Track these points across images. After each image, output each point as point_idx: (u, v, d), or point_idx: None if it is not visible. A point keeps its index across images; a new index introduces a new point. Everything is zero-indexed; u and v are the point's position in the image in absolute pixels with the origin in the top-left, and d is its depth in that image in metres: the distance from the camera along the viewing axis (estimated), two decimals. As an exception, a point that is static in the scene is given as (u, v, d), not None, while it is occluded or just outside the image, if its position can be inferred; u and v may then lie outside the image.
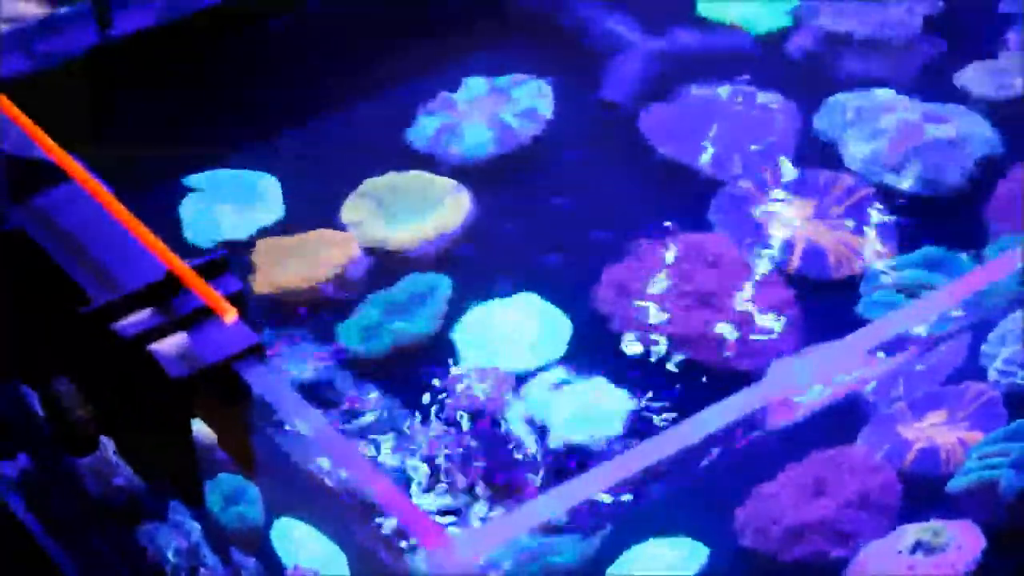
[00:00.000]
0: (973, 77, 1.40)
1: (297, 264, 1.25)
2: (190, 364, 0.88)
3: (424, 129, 1.37)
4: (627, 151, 1.35)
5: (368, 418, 1.14)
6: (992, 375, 1.14)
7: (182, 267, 0.91)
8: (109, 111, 1.32)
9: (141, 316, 0.91)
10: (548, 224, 1.30)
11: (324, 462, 0.86)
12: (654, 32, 1.44)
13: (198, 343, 0.90)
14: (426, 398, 1.17)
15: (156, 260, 0.93)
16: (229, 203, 1.31)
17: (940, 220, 1.29)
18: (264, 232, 1.29)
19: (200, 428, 0.94)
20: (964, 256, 1.24)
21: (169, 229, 1.29)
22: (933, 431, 1.12)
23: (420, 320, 1.21)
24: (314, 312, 1.23)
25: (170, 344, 0.90)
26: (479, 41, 1.45)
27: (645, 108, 1.38)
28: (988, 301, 1.08)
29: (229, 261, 0.94)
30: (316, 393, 1.16)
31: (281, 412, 0.88)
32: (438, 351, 1.20)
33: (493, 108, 1.37)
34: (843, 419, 1.10)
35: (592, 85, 1.41)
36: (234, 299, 0.92)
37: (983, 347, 1.14)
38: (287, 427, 0.88)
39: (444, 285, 1.24)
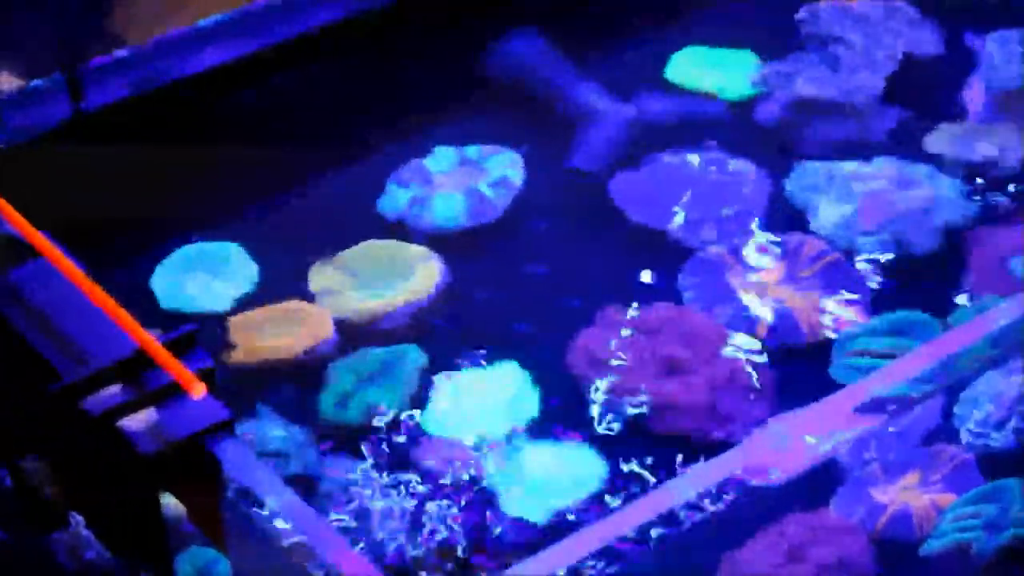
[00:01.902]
0: (941, 140, 1.41)
1: (270, 335, 1.25)
2: (159, 440, 0.87)
3: (396, 199, 1.37)
4: (598, 218, 1.36)
5: (340, 488, 1.13)
6: (965, 437, 1.15)
7: (151, 343, 0.90)
8: (82, 185, 1.31)
9: (110, 392, 0.90)
10: (520, 292, 1.30)
11: (294, 536, 0.85)
12: (624, 99, 1.45)
13: (167, 419, 0.89)
14: (399, 467, 1.16)
15: (126, 336, 0.92)
16: (203, 275, 1.31)
17: (911, 284, 1.29)
18: (238, 303, 1.29)
19: (171, 501, 0.93)
20: (935, 320, 1.24)
21: (144, 301, 1.29)
22: (906, 494, 1.12)
23: (392, 389, 1.21)
24: (287, 382, 1.23)
25: (139, 420, 0.89)
26: (451, 110, 1.46)
27: (616, 175, 1.38)
28: (960, 364, 1.08)
29: (199, 335, 0.93)
30: (289, 463, 1.15)
31: (251, 487, 0.87)
32: (409, 418, 1.20)
33: (465, 178, 1.37)
34: (817, 482, 1.10)
35: (563, 153, 1.41)
36: (204, 374, 0.91)
37: (956, 409, 1.15)
38: (257, 501, 0.87)
39: (415, 354, 1.24)
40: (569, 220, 1.36)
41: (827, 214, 1.33)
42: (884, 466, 1.13)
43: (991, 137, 1.41)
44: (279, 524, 0.86)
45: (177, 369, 0.88)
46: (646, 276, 1.30)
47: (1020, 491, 1.12)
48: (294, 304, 1.28)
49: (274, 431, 1.17)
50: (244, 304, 1.29)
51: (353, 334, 1.26)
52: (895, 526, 1.11)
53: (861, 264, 1.30)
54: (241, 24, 1.43)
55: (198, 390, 0.87)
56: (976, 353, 1.08)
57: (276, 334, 1.25)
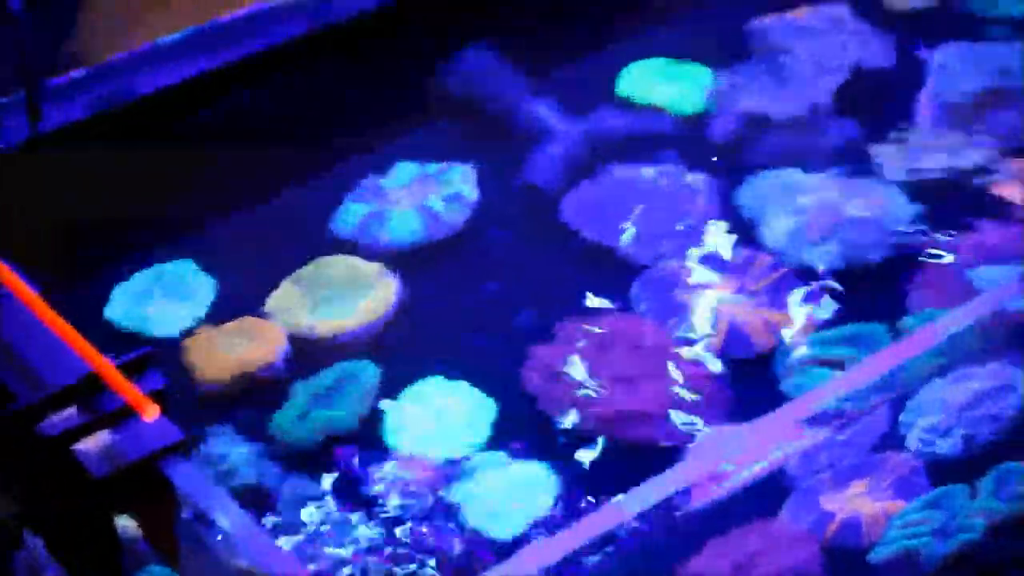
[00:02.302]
0: (889, 153, 1.42)
1: (227, 355, 1.25)
2: (113, 463, 0.88)
3: (352, 216, 1.37)
4: (552, 233, 1.36)
5: (296, 505, 1.14)
6: (913, 444, 1.16)
7: (105, 366, 0.90)
8: (39, 204, 1.31)
9: (65, 415, 0.91)
10: (475, 307, 1.31)
11: (246, 555, 0.86)
12: (577, 115, 1.46)
13: (121, 441, 0.90)
14: (354, 485, 1.17)
15: (80, 359, 0.93)
16: (160, 295, 1.32)
17: (860, 295, 1.30)
18: (195, 322, 1.30)
19: (127, 522, 0.93)
20: (883, 330, 1.25)
21: (101, 322, 1.30)
22: (855, 501, 1.13)
23: (347, 407, 1.21)
24: (245, 400, 1.23)
25: (93, 443, 0.90)
26: (407, 127, 1.46)
27: (569, 190, 1.39)
28: (907, 373, 1.09)
29: (152, 357, 0.94)
30: (244, 482, 1.15)
31: (204, 507, 0.88)
32: (366, 437, 1.21)
33: (420, 194, 1.38)
34: (767, 492, 1.10)
35: (517, 168, 1.42)
36: (158, 395, 0.92)
37: (903, 417, 1.16)
38: (210, 521, 0.88)
39: (371, 371, 1.24)
40: (523, 235, 1.37)
41: (777, 226, 1.34)
42: (833, 474, 1.13)
43: (939, 147, 1.42)
44: (232, 544, 0.87)
45: (130, 392, 0.88)
46: (599, 290, 1.31)
47: (966, 497, 1.14)
48: (251, 322, 1.28)
49: (230, 448, 1.18)
50: (201, 323, 1.29)
51: (310, 351, 1.27)
52: (844, 533, 1.12)
53: (811, 275, 1.31)
54: (197, 43, 1.44)
55: (151, 412, 0.88)
56: (924, 362, 1.10)
57: (233, 352, 1.25)
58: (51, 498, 0.93)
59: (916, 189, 1.38)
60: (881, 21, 1.55)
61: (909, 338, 1.12)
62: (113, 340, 1.28)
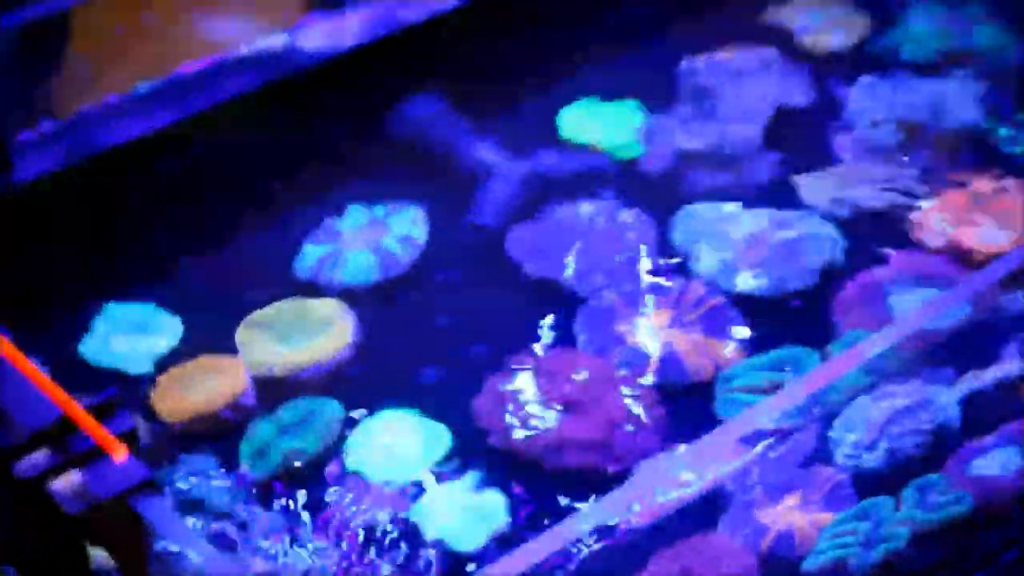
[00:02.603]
0: (813, 186, 1.43)
1: (194, 392, 1.26)
2: (85, 500, 0.89)
3: (309, 257, 1.38)
4: (497, 270, 1.37)
5: (261, 537, 1.14)
6: (840, 459, 1.16)
7: (74, 409, 0.91)
8: (8, 253, 1.31)
9: (38, 457, 0.91)
10: (428, 342, 1.31)
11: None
12: (519, 156, 1.46)
13: (93, 480, 0.90)
14: (318, 514, 1.17)
15: (52, 403, 0.93)
16: (130, 335, 1.32)
17: (788, 321, 1.31)
18: (163, 361, 1.30)
19: (100, 554, 0.94)
20: (811, 353, 1.26)
21: (74, 364, 1.30)
22: (788, 514, 1.14)
23: (309, 439, 1.22)
24: (211, 435, 1.24)
25: (66, 482, 0.90)
26: (359, 172, 1.47)
27: (512, 228, 1.40)
28: (834, 393, 1.10)
29: (123, 397, 0.94)
30: (212, 514, 1.16)
31: (172, 540, 0.88)
32: (328, 467, 1.21)
33: (373, 236, 1.39)
34: (705, 508, 1.11)
35: (463, 209, 1.43)
36: (127, 435, 0.92)
37: (831, 433, 1.16)
38: (180, 555, 0.88)
39: (331, 404, 1.25)
40: (471, 272, 1.38)
41: (709, 257, 1.35)
42: (767, 490, 1.14)
43: (860, 179, 1.43)
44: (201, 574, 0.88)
45: (99, 433, 0.89)
46: (544, 323, 1.31)
47: (891, 508, 1.15)
48: (216, 360, 1.29)
49: (198, 482, 1.18)
50: (169, 362, 1.30)
51: (272, 388, 1.27)
52: (779, 545, 1.13)
53: (742, 304, 1.32)
54: (160, 96, 1.44)
55: (119, 453, 0.89)
56: (849, 383, 1.11)
57: (200, 389, 1.26)
58: (27, 533, 0.93)
59: (839, 219, 1.39)
60: (803, 61, 1.57)
61: (835, 360, 1.13)
62: (86, 378, 1.28)
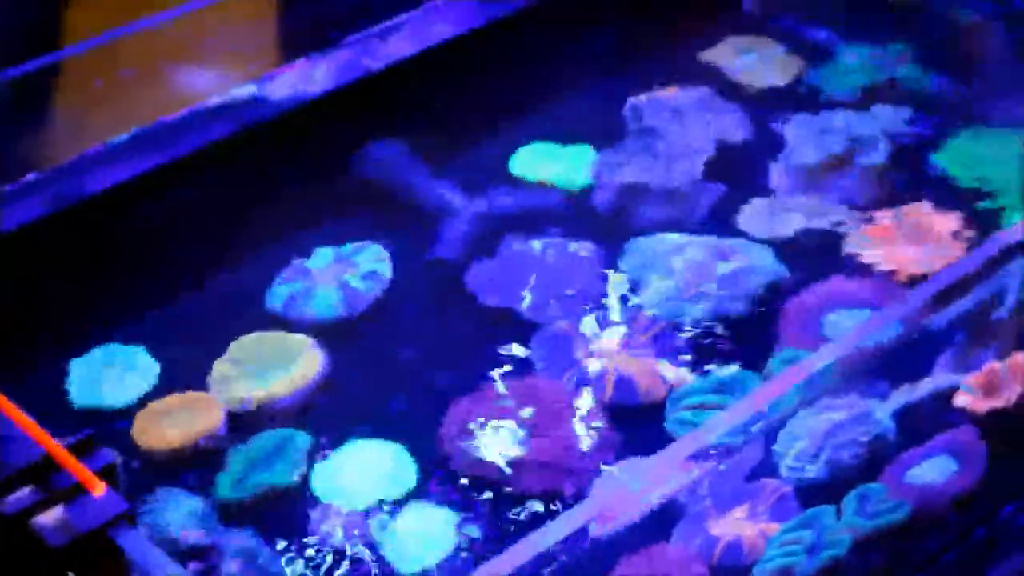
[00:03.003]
0: (753, 215, 1.43)
1: (172, 426, 1.25)
2: (67, 534, 0.87)
3: (280, 295, 1.37)
4: (458, 303, 1.37)
5: (236, 566, 1.13)
6: (784, 471, 1.16)
7: (55, 447, 0.90)
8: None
9: (22, 494, 0.90)
10: (393, 373, 1.31)
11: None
12: (476, 195, 1.46)
13: (74, 514, 0.89)
14: (291, 542, 1.16)
15: (34, 442, 0.92)
16: (110, 375, 1.31)
17: (732, 344, 1.31)
18: (143, 398, 1.29)
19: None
20: (754, 374, 1.26)
21: (56, 404, 1.28)
22: (737, 525, 1.14)
23: (282, 469, 1.21)
24: (188, 469, 1.23)
25: (49, 517, 0.89)
26: (325, 213, 1.46)
27: (472, 263, 1.39)
28: (775, 410, 1.10)
29: (97, 437, 0.93)
30: (190, 544, 1.14)
31: (151, 571, 0.87)
32: (299, 497, 1.20)
33: (340, 273, 1.38)
34: (658, 521, 1.11)
35: (424, 246, 1.42)
36: (106, 471, 0.91)
37: (775, 446, 1.16)
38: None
39: (302, 435, 1.24)
40: (433, 305, 1.37)
41: (655, 287, 1.35)
42: (716, 502, 1.14)
43: (796, 210, 1.44)
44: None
45: (78, 470, 0.88)
46: (503, 352, 1.31)
47: (833, 517, 1.15)
48: (193, 396, 1.28)
49: (176, 513, 1.17)
50: (149, 398, 1.28)
51: (247, 420, 1.26)
52: (729, 554, 1.13)
53: (687, 330, 1.32)
54: (137, 146, 1.43)
55: (98, 488, 0.87)
56: (791, 399, 1.11)
57: (177, 424, 1.25)
58: (12, 569, 0.92)
59: (777, 246, 1.39)
60: (740, 99, 1.57)
61: (776, 379, 1.12)
62: (68, 417, 1.27)
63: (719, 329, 1.32)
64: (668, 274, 1.36)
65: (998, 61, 1.64)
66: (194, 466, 1.22)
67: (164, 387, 1.29)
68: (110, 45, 1.43)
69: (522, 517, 1.17)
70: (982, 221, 1.42)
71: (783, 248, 1.39)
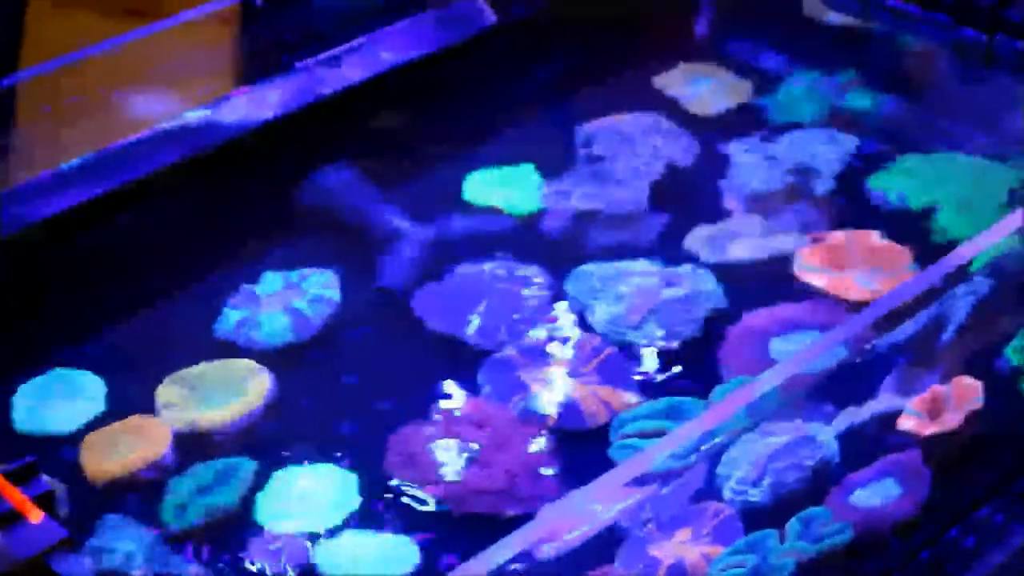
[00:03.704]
0: (699, 241, 1.44)
1: (118, 453, 1.25)
2: (3, 561, 0.88)
3: (228, 321, 1.37)
4: (406, 328, 1.37)
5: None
6: (727, 494, 1.17)
7: (-7, 475, 0.90)
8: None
9: (-40, 521, 0.90)
10: (340, 398, 1.31)
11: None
12: (425, 220, 1.47)
13: (12, 541, 0.89)
14: (235, 567, 1.17)
15: (-28, 469, 0.93)
16: (57, 400, 1.31)
17: (677, 368, 1.32)
18: (90, 423, 1.29)
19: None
20: (698, 399, 1.27)
21: (2, 428, 1.28)
22: (680, 548, 1.14)
23: (227, 494, 1.21)
24: (133, 494, 1.23)
25: (-12, 544, 0.89)
26: (274, 239, 1.47)
27: (419, 289, 1.40)
28: (719, 434, 1.11)
29: (39, 464, 0.94)
30: (135, 570, 1.15)
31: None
32: (245, 520, 1.20)
33: (288, 299, 1.38)
34: (601, 545, 1.11)
35: (373, 272, 1.43)
36: (44, 497, 0.91)
37: (719, 470, 1.17)
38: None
39: (248, 460, 1.24)
40: (380, 332, 1.38)
41: (602, 312, 1.36)
42: (659, 525, 1.15)
43: (745, 235, 1.45)
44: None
45: (15, 497, 0.88)
46: (451, 376, 1.32)
47: (776, 540, 1.15)
48: (140, 421, 1.28)
49: (121, 539, 1.17)
50: (96, 423, 1.28)
51: (193, 446, 1.26)
52: (672, 577, 1.13)
53: (634, 355, 1.33)
54: (87, 171, 1.44)
55: (35, 516, 0.88)
56: (734, 423, 1.12)
57: (124, 449, 1.25)
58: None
59: (725, 273, 1.41)
60: (689, 124, 1.59)
61: (720, 404, 1.13)
62: (14, 441, 1.27)
63: (665, 354, 1.33)
64: (616, 299, 1.37)
65: (944, 86, 1.66)
66: (140, 492, 1.22)
67: (111, 413, 1.29)
68: (60, 71, 1.44)
69: (466, 542, 1.18)
70: (928, 245, 1.43)
71: (731, 273, 1.40)
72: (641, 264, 1.41)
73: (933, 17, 1.67)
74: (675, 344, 1.34)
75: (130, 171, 1.45)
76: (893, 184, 1.51)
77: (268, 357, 1.34)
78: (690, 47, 1.72)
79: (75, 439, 1.27)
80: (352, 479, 1.23)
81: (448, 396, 1.29)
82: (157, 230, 1.46)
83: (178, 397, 1.30)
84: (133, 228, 1.45)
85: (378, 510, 1.21)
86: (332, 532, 1.19)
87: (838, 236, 1.44)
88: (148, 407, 1.29)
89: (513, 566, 1.00)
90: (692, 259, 1.42)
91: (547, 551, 1.03)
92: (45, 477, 0.94)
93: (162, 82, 1.50)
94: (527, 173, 1.53)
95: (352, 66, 1.57)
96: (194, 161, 1.48)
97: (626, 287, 1.38)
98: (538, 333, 1.35)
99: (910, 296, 1.15)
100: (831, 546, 1.17)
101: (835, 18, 1.73)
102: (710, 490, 1.16)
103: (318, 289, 1.39)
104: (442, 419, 1.27)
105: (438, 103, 1.59)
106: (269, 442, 1.27)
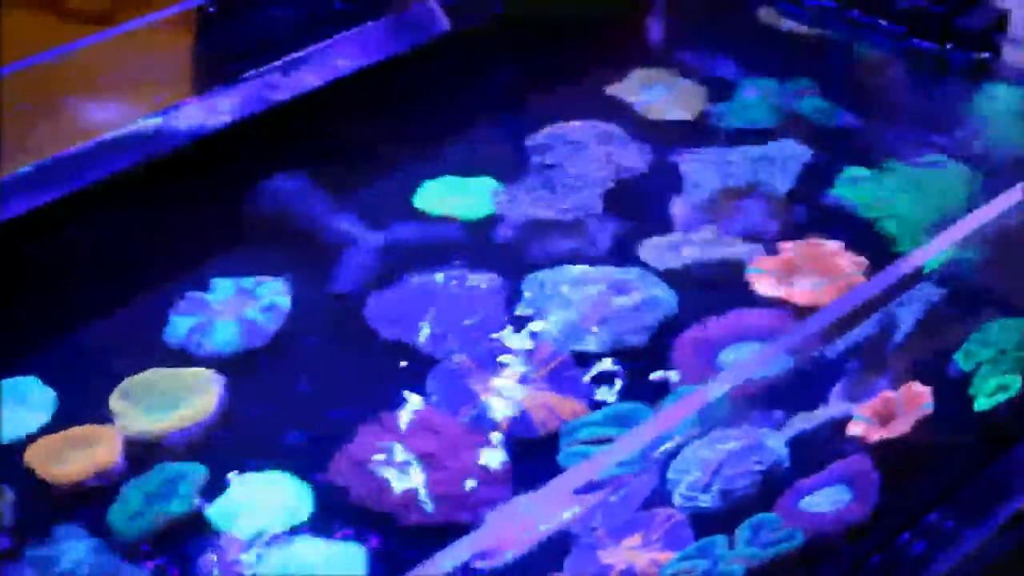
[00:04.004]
0: (651, 249, 1.45)
1: (67, 460, 1.25)
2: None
3: (179, 328, 1.37)
4: (358, 336, 1.38)
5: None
6: (678, 500, 1.18)
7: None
8: None
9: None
10: (291, 407, 1.31)
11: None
12: (377, 227, 1.47)
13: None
14: (187, 574, 1.17)
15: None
16: (4, 407, 1.30)
17: (628, 376, 1.33)
18: (38, 431, 1.29)
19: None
20: (647, 407, 1.28)
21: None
22: (630, 554, 1.15)
23: (178, 502, 1.21)
24: (84, 503, 1.23)
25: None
26: (225, 246, 1.47)
27: (370, 296, 1.40)
28: (668, 440, 1.12)
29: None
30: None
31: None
32: (196, 528, 1.21)
33: (239, 306, 1.39)
34: (551, 551, 1.12)
35: (325, 279, 1.43)
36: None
37: (669, 475, 1.18)
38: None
39: (199, 468, 1.24)
40: (333, 339, 1.38)
41: (553, 320, 1.37)
42: (609, 531, 1.15)
43: (694, 240, 1.46)
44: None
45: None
46: (401, 384, 1.32)
47: (726, 546, 1.16)
48: (90, 428, 1.28)
49: (71, 548, 1.17)
50: (44, 431, 1.28)
51: (144, 454, 1.27)
52: (622, 584, 1.14)
53: (584, 363, 1.34)
54: (35, 179, 1.44)
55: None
56: (683, 430, 1.13)
57: (73, 459, 1.25)
58: None
59: (676, 280, 1.41)
60: (643, 131, 1.60)
61: (669, 410, 1.14)
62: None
63: (616, 362, 1.34)
64: (567, 307, 1.38)
65: (897, 95, 1.68)
66: (89, 500, 1.22)
67: (61, 421, 1.29)
68: (9, 78, 1.44)
69: (417, 550, 1.19)
70: (879, 252, 1.45)
71: (682, 281, 1.41)
72: (593, 272, 1.42)
73: (886, 27, 1.70)
74: (627, 352, 1.34)
75: (81, 178, 1.45)
76: (845, 192, 1.53)
77: (219, 365, 1.34)
78: (644, 54, 1.73)
79: (23, 447, 1.27)
80: (303, 487, 1.23)
81: (399, 404, 1.30)
82: (108, 238, 1.46)
83: (129, 405, 1.30)
84: (84, 235, 1.45)
85: (328, 518, 1.21)
86: (283, 539, 1.19)
87: (790, 244, 1.46)
88: (98, 415, 1.29)
89: (461, 574, 1.01)
90: (644, 266, 1.43)
91: (494, 559, 1.04)
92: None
93: (114, 89, 1.50)
94: (480, 182, 1.53)
95: (305, 73, 1.58)
96: (146, 168, 1.48)
97: (578, 295, 1.39)
98: (489, 341, 1.36)
99: (859, 303, 1.16)
100: (781, 552, 1.18)
101: (789, 26, 1.75)
102: (661, 495, 1.17)
103: (270, 297, 1.39)
104: (393, 427, 1.27)
105: (390, 110, 1.59)
106: (220, 450, 1.27)
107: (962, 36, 1.67)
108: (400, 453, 1.25)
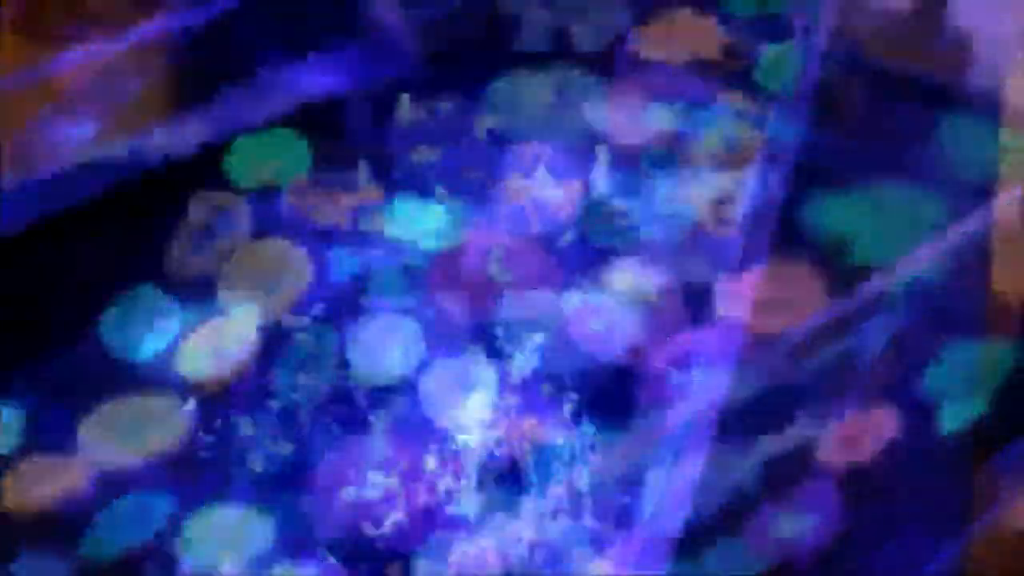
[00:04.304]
0: (619, 273, 1.46)
1: (36, 488, 1.25)
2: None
3: (148, 354, 1.37)
4: (329, 365, 1.38)
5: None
6: (644, 523, 1.18)
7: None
8: None
9: None
10: (258, 435, 1.32)
11: None
12: (345, 253, 1.47)
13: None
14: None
15: None
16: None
17: (600, 397, 1.33)
18: (7, 456, 1.29)
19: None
20: (619, 431, 1.29)
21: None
22: (597, 569, 1.15)
23: (146, 529, 1.22)
24: (51, 529, 1.23)
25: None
26: (192, 271, 1.46)
27: (343, 323, 1.40)
28: (636, 464, 1.12)
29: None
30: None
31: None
32: (161, 555, 1.21)
33: (209, 335, 1.39)
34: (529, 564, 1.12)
35: (296, 304, 1.43)
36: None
37: (638, 500, 1.18)
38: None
39: (167, 495, 1.25)
40: (304, 367, 1.38)
41: (529, 343, 1.38)
42: (582, 555, 1.16)
43: (665, 264, 1.46)
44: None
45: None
46: (373, 414, 1.33)
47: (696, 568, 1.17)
48: (57, 456, 1.28)
49: (40, 572, 1.17)
50: (12, 459, 1.29)
51: (115, 480, 1.27)
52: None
53: (555, 388, 1.35)
54: (6, 202, 1.44)
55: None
56: (652, 452, 1.13)
57: (44, 483, 1.25)
58: None
59: (646, 302, 1.42)
60: (613, 153, 1.60)
61: (640, 431, 1.15)
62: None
63: (586, 387, 1.35)
64: (536, 332, 1.39)
65: (865, 119, 1.69)
66: (58, 527, 1.23)
67: (30, 446, 1.30)
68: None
69: (386, 568, 1.19)
70: (845, 275, 1.45)
71: (652, 303, 1.42)
72: (562, 296, 1.43)
73: (853, 51, 1.70)
74: (597, 376, 1.35)
75: (53, 202, 1.45)
76: (813, 215, 1.54)
77: (191, 392, 1.35)
78: (617, 75, 1.73)
79: (-7, 473, 1.28)
80: (269, 515, 1.24)
81: (370, 433, 1.31)
82: (78, 265, 1.46)
83: (98, 434, 1.30)
84: (55, 262, 1.45)
85: (295, 546, 1.22)
86: (249, 567, 1.20)
87: (758, 268, 1.46)
88: (68, 441, 1.30)
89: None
90: (615, 291, 1.44)
91: (464, 572, 1.04)
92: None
93: (85, 111, 1.50)
94: (448, 205, 1.54)
95: (273, 97, 1.57)
96: (116, 193, 1.48)
97: (547, 320, 1.40)
98: (463, 365, 1.37)
99: (827, 327, 1.17)
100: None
101: (760, 48, 1.76)
102: (629, 517, 1.18)
103: (239, 325, 1.40)
104: (362, 456, 1.28)
105: (352, 135, 1.59)
106: (188, 479, 1.28)
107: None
108: (372, 477, 1.26)
